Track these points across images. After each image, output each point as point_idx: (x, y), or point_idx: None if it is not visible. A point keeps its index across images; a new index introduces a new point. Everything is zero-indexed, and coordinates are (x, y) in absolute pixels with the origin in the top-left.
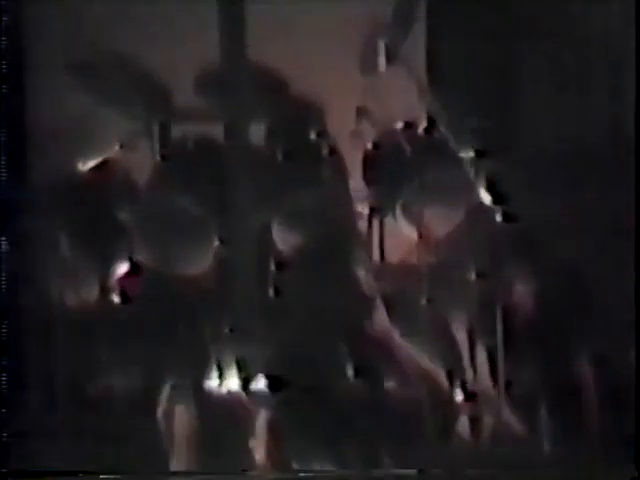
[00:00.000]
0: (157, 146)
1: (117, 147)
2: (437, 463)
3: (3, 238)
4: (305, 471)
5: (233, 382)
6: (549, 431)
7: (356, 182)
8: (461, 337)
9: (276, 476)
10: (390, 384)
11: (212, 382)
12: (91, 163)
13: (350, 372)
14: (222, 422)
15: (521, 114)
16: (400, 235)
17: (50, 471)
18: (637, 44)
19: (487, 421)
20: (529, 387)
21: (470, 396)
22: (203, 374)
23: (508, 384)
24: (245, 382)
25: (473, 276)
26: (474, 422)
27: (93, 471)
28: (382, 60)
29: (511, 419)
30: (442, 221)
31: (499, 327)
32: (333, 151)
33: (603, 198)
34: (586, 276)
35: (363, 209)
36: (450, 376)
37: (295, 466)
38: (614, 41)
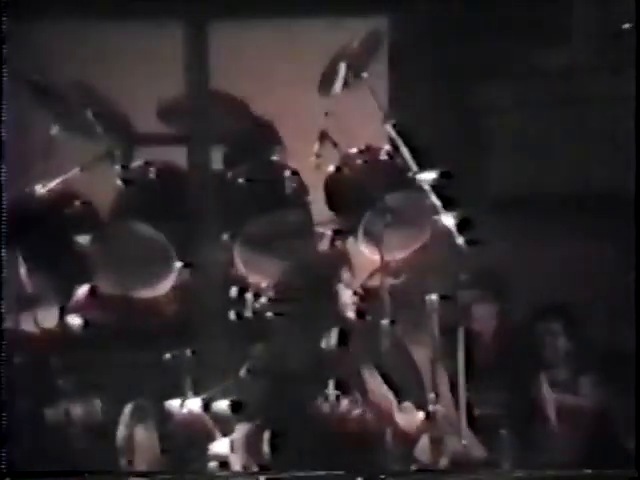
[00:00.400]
0: (119, 170)
1: (77, 170)
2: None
3: None
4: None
5: (194, 403)
6: (509, 452)
7: (319, 205)
8: (422, 359)
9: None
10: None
11: (173, 403)
12: (51, 185)
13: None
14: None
15: (484, 141)
16: (363, 257)
17: (50, 471)
18: (637, 44)
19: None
20: (490, 409)
21: (430, 416)
22: (165, 395)
23: (469, 406)
24: (206, 403)
25: (435, 298)
26: (435, 442)
27: (94, 471)
28: (342, 84)
29: (471, 441)
30: (404, 244)
31: (460, 349)
32: (295, 174)
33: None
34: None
35: (325, 231)
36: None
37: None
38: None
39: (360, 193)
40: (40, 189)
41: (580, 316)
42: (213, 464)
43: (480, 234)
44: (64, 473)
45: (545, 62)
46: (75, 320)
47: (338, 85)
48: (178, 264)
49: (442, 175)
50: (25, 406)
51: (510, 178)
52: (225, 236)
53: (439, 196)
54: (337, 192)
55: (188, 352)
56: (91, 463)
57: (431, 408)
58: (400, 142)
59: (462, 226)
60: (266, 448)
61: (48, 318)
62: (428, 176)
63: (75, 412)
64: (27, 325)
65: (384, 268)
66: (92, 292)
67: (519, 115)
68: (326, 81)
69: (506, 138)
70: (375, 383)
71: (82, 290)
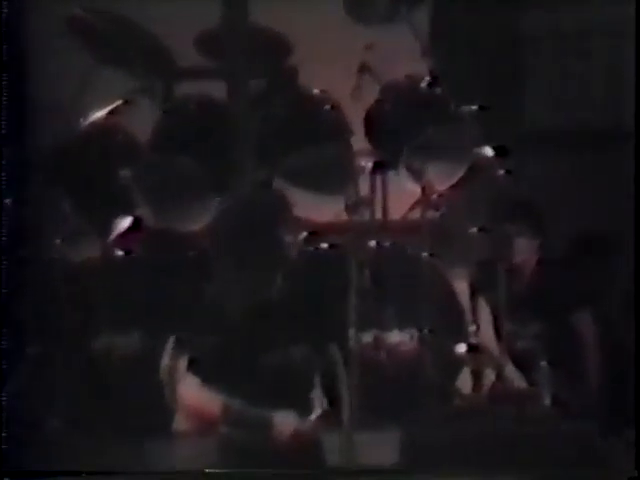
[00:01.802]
0: (159, 103)
1: (119, 103)
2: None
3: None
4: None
5: None
6: (550, 386)
7: (359, 138)
8: (463, 292)
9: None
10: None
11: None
12: (94, 117)
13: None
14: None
15: (523, 75)
16: (403, 191)
17: (50, 471)
18: (637, 44)
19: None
20: (531, 342)
21: (472, 348)
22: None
23: (510, 338)
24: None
25: (475, 231)
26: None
27: (94, 471)
28: (385, 17)
29: (512, 373)
30: (444, 176)
31: (501, 282)
32: (335, 107)
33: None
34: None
35: (366, 165)
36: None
37: None
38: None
39: (400, 126)
40: (82, 122)
41: (621, 252)
42: None
43: (520, 166)
44: (64, 473)
45: None
46: (118, 251)
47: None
48: (216, 199)
49: (481, 108)
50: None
51: (550, 110)
52: (265, 170)
53: (479, 128)
54: (377, 125)
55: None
56: (134, 395)
57: (472, 340)
58: (440, 75)
59: (502, 158)
60: None
61: (91, 249)
62: (468, 108)
63: (117, 344)
64: (73, 255)
65: (425, 201)
66: (135, 224)
67: (557, 46)
68: (369, 13)
69: (545, 69)
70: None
71: (125, 222)
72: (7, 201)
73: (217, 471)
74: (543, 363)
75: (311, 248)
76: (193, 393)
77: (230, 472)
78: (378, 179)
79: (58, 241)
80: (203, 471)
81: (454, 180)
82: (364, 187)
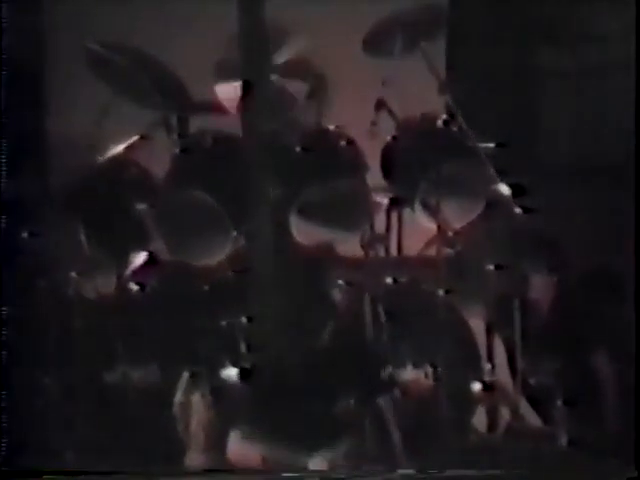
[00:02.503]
0: (175, 138)
1: (136, 138)
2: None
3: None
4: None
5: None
6: (565, 424)
7: (375, 174)
8: (478, 329)
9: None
10: None
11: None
12: (111, 153)
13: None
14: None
15: (539, 111)
16: (419, 227)
17: (50, 471)
18: (637, 44)
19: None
20: (547, 380)
21: (488, 387)
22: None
23: (525, 376)
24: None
25: (491, 268)
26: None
27: (95, 471)
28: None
29: (528, 411)
30: (460, 213)
31: (517, 319)
32: (351, 143)
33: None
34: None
35: (382, 201)
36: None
37: None
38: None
39: (416, 162)
40: (98, 157)
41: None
42: None
43: (536, 203)
44: (65, 473)
45: (604, 27)
46: (133, 286)
47: (395, 51)
48: (233, 232)
49: (499, 144)
50: (83, 371)
51: (567, 147)
52: (279, 205)
53: (495, 165)
54: (393, 161)
55: (244, 319)
56: (147, 428)
57: (487, 378)
58: (457, 111)
59: (518, 195)
60: None
61: (107, 284)
62: (485, 145)
63: (133, 377)
64: (87, 292)
65: (440, 237)
66: (150, 259)
67: (576, 82)
68: (375, 42)
69: (562, 105)
70: None
71: (140, 257)
72: (24, 234)
73: (218, 471)
74: (559, 402)
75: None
76: (236, 447)
77: (230, 472)
78: (394, 215)
79: (74, 274)
80: (203, 471)
81: (470, 217)
82: (380, 223)
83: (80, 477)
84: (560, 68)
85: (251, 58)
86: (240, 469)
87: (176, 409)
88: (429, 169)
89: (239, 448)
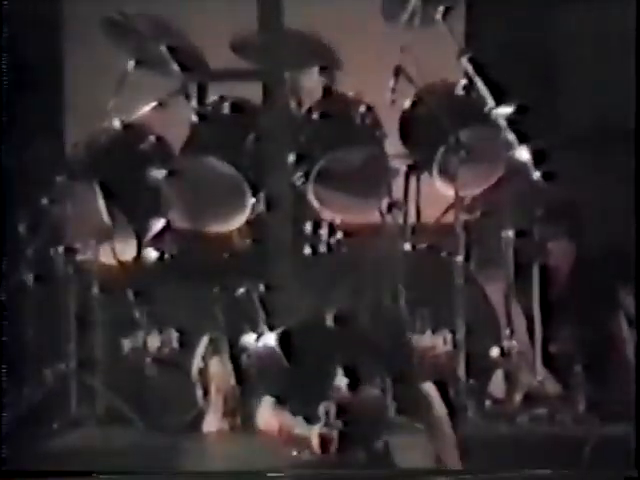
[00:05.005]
0: (194, 105)
1: (154, 105)
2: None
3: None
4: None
5: (269, 337)
6: (584, 390)
7: (393, 141)
8: (497, 295)
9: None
10: None
11: (249, 337)
12: (127, 119)
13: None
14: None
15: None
16: (437, 194)
17: (50, 471)
18: (637, 44)
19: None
20: (566, 346)
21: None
22: (239, 329)
23: (544, 342)
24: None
25: (511, 234)
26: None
27: (95, 471)
28: (414, 16)
29: (546, 377)
30: (479, 179)
31: (535, 285)
32: (370, 109)
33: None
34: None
35: (400, 168)
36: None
37: None
38: None
39: (435, 128)
40: (116, 124)
41: None
42: None
43: (556, 168)
44: (65, 473)
45: None
46: (151, 253)
47: (406, 16)
48: (251, 199)
49: (518, 109)
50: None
51: (587, 111)
52: (299, 171)
53: (515, 130)
54: (412, 127)
55: (262, 287)
56: (166, 395)
57: (506, 344)
58: (476, 76)
59: (538, 160)
60: None
61: (126, 251)
62: (504, 110)
63: (151, 344)
64: (105, 257)
65: (458, 204)
66: (167, 226)
67: (596, 48)
68: (393, 9)
69: (582, 71)
70: None
71: (157, 224)
72: (44, 200)
73: (218, 471)
74: (577, 367)
75: (344, 250)
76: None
77: (232, 472)
78: (412, 182)
79: (93, 241)
80: (203, 471)
81: (489, 183)
82: (398, 190)
83: (80, 477)
84: (580, 32)
85: (267, 26)
86: (241, 471)
87: (195, 375)
88: (448, 135)
89: (268, 415)
